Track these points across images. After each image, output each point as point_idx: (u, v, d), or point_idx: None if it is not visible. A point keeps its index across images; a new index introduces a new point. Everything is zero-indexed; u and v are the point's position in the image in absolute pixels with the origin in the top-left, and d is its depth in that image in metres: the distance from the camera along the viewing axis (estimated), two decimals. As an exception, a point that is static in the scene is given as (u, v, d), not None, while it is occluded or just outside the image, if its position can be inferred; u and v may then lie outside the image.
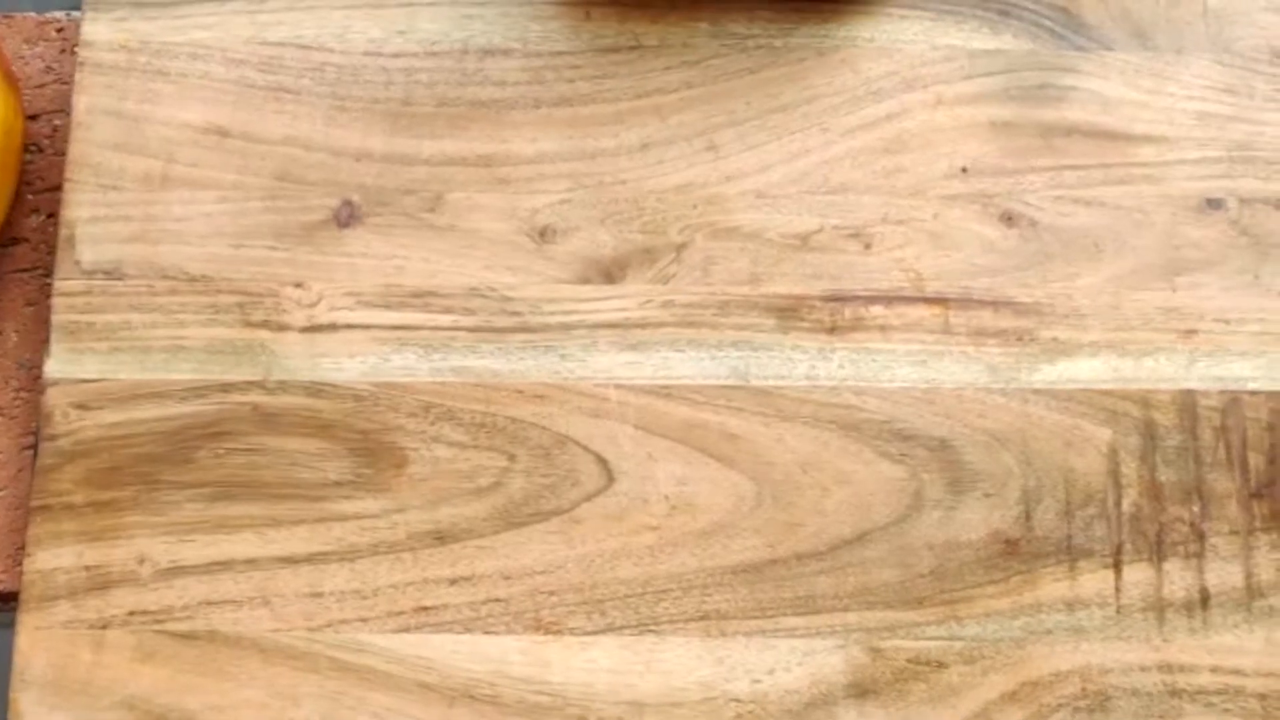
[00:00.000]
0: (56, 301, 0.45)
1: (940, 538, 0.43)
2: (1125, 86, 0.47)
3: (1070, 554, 0.43)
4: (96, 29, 0.47)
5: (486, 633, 0.42)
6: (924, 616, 0.42)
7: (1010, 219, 0.45)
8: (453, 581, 0.42)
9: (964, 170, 0.46)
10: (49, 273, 0.46)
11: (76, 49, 0.47)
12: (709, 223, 0.45)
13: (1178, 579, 0.42)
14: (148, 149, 0.46)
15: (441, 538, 0.43)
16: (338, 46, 0.47)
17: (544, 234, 0.45)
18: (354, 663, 0.42)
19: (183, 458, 0.43)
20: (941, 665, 0.42)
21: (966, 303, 0.45)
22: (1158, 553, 0.43)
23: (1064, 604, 0.42)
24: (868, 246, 0.45)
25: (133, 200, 0.46)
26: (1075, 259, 0.45)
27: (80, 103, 0.46)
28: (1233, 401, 0.44)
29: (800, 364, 0.44)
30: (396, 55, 0.47)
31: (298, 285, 0.45)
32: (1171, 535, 0.43)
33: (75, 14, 0.49)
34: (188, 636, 0.42)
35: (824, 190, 0.46)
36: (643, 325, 0.44)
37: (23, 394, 0.46)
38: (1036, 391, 0.44)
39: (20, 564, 0.43)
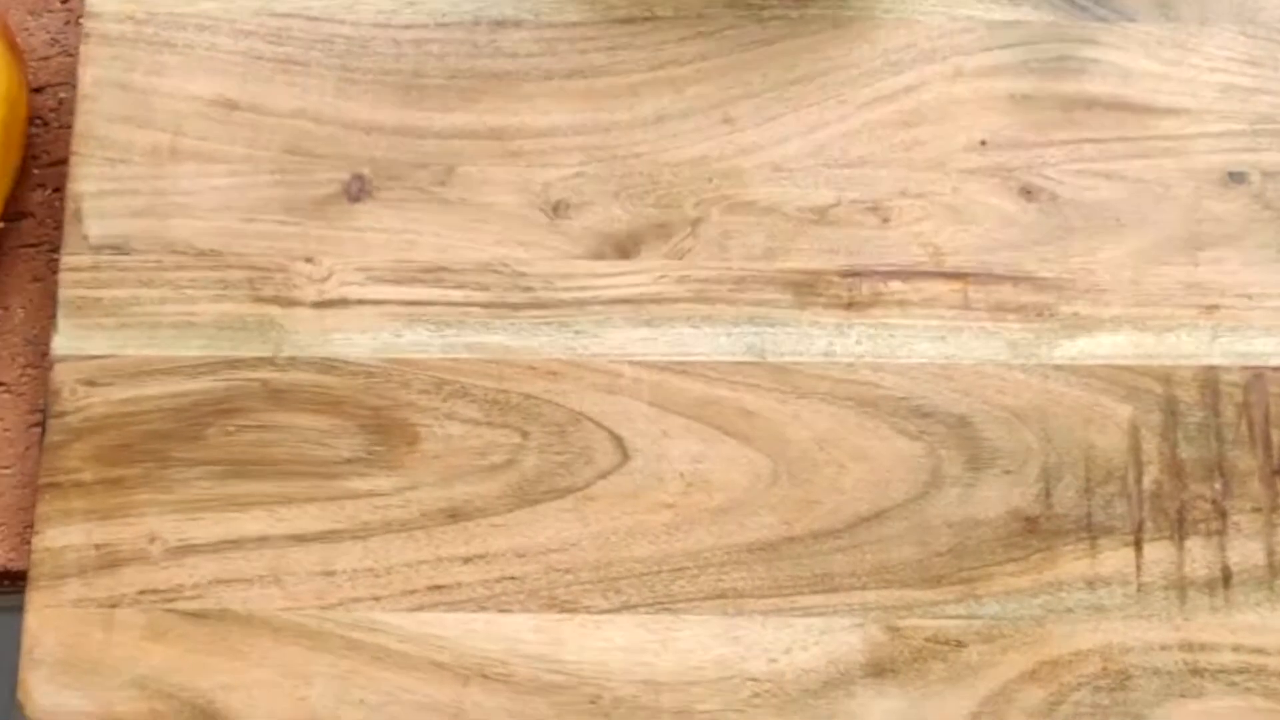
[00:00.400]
0: (63, 277, 0.44)
1: (959, 515, 0.42)
2: (1147, 58, 0.46)
3: (1091, 532, 0.42)
4: (103, 0, 0.46)
5: (500, 611, 0.41)
6: (942, 595, 0.42)
7: (1030, 193, 0.45)
8: (466, 560, 0.42)
9: (983, 143, 0.45)
10: (56, 248, 0.45)
11: (82, 20, 0.46)
12: (725, 196, 0.45)
13: (1199, 557, 0.42)
14: (155, 122, 0.45)
15: (455, 515, 0.42)
16: (347, 18, 0.46)
17: (557, 208, 0.45)
18: (366, 641, 0.41)
19: (192, 435, 0.43)
20: (960, 644, 0.41)
21: (986, 278, 0.44)
22: (1179, 530, 0.42)
23: (1084, 582, 0.42)
24: (886, 220, 0.45)
25: (140, 174, 0.45)
26: (1096, 233, 0.44)
27: (86, 75, 0.46)
28: (1255, 378, 0.43)
29: (817, 340, 0.44)
30: (407, 27, 0.46)
31: (308, 260, 0.44)
32: (1193, 513, 0.42)
33: (80, -14, 0.48)
34: (198, 615, 0.41)
35: (841, 164, 0.45)
36: (658, 301, 0.44)
37: (30, 370, 0.45)
38: (1057, 368, 0.43)
39: (29, 542, 0.42)
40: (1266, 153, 0.45)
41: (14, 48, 0.45)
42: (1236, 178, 0.45)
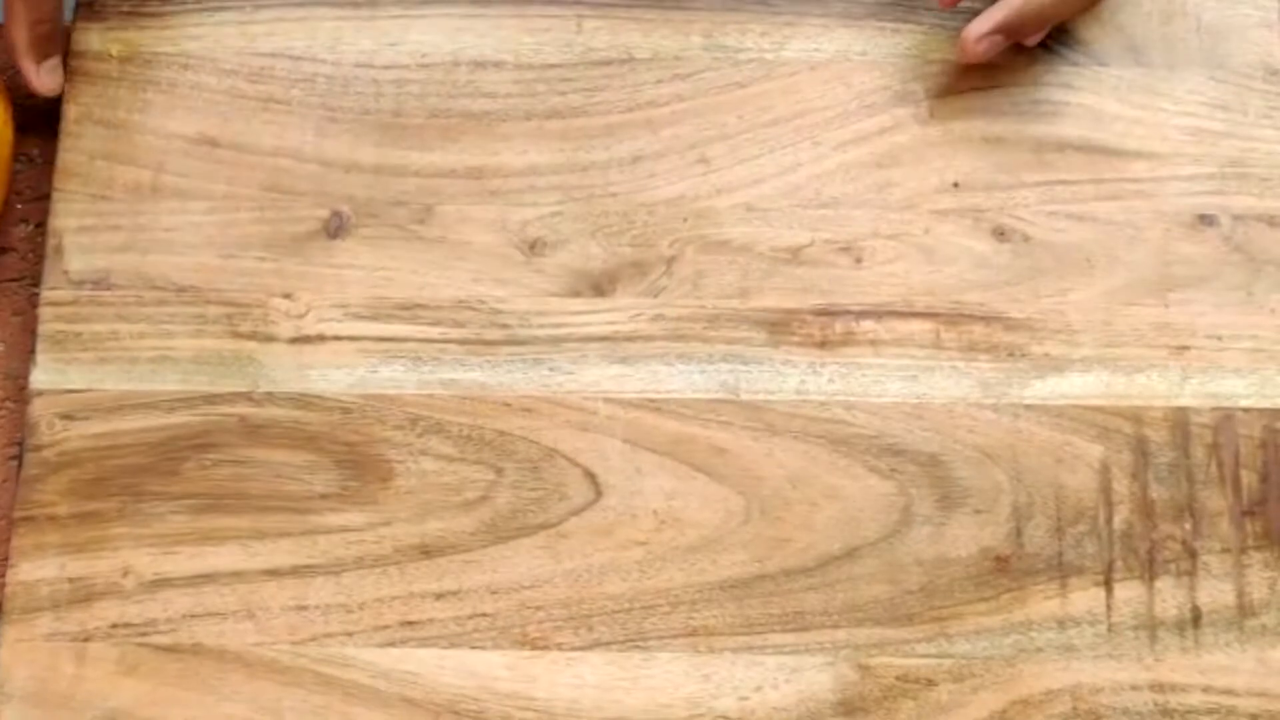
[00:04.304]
0: (44, 311, 0.44)
1: (930, 554, 0.42)
2: (1118, 102, 0.46)
3: (1061, 571, 0.42)
4: (87, 38, 0.47)
5: (472, 648, 0.42)
6: (913, 633, 0.42)
7: (1002, 234, 0.45)
8: (439, 596, 0.42)
9: (956, 185, 0.46)
10: (36, 282, 0.46)
11: (67, 58, 0.47)
12: (700, 236, 0.45)
13: (1169, 597, 0.42)
14: (137, 159, 0.46)
15: (428, 551, 0.42)
16: (329, 58, 0.47)
17: (534, 246, 0.45)
18: (339, 677, 0.41)
19: (168, 469, 0.43)
20: (931, 683, 0.41)
21: (958, 318, 0.44)
22: (1149, 570, 0.42)
23: (1055, 621, 0.42)
24: (859, 261, 0.45)
25: (122, 210, 0.45)
26: (1067, 274, 0.45)
27: (70, 112, 0.46)
28: (1225, 419, 0.43)
29: (790, 378, 0.44)
30: (387, 67, 0.47)
31: (286, 296, 0.45)
32: (1163, 553, 0.42)
33: (66, 23, 0.48)
34: (171, 649, 0.41)
35: (815, 204, 0.45)
36: (632, 338, 0.44)
37: (8, 404, 0.45)
38: (1028, 407, 0.44)
39: (3, 575, 0.42)
40: (1236, 196, 0.45)
41: (1, 86, 0.45)
42: (1206, 220, 0.45)
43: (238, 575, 0.42)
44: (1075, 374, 0.44)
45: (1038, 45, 0.47)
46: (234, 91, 0.46)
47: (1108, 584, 0.42)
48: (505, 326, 0.44)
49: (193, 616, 0.42)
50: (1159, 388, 0.44)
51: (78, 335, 0.44)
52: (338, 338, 0.44)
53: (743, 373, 0.44)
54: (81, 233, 0.45)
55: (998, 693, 0.41)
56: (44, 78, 0.46)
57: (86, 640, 0.41)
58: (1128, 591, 0.42)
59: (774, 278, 0.45)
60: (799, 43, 0.47)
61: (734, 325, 0.44)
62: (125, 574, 0.42)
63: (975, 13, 0.46)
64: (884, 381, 0.44)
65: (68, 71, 0.47)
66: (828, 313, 0.44)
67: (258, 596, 0.42)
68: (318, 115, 0.46)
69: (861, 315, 0.44)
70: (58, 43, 0.46)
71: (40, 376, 0.44)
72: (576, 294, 0.45)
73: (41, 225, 0.47)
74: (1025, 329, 0.44)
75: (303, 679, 0.41)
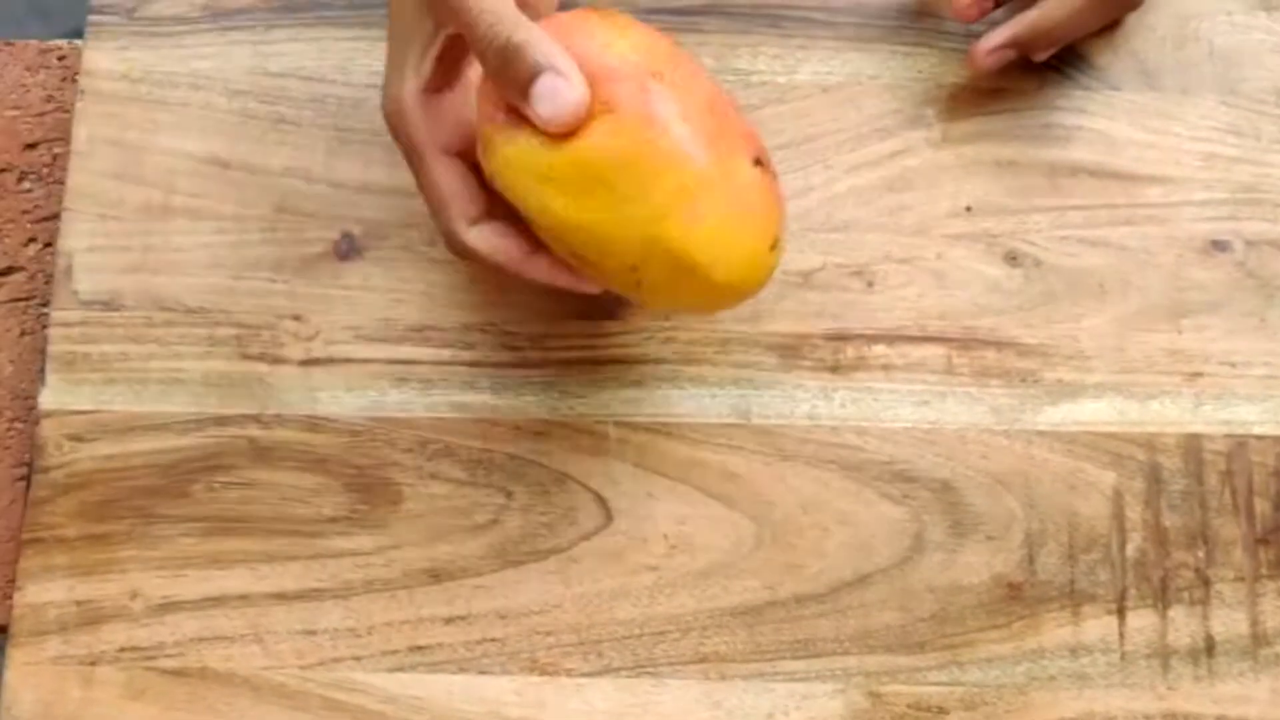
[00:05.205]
0: (53, 332, 0.44)
1: (942, 580, 0.42)
2: (1131, 127, 0.46)
3: (1073, 599, 0.42)
4: (98, 58, 0.47)
5: (482, 673, 0.41)
6: (925, 661, 0.41)
7: (1014, 259, 0.45)
8: (448, 620, 0.42)
9: (968, 209, 0.46)
10: (45, 303, 0.46)
11: (78, 77, 0.47)
12: (711, 259, 0.45)
13: (1182, 625, 0.42)
14: (147, 179, 0.46)
15: (437, 576, 0.42)
16: (340, 78, 0.47)
17: (545, 269, 0.45)
18: (347, 702, 0.41)
19: (177, 491, 0.43)
20: (943, 711, 0.41)
21: (970, 343, 0.44)
22: (1162, 599, 0.42)
23: (1067, 649, 0.41)
24: (870, 285, 0.45)
25: (131, 230, 0.45)
26: (1080, 300, 0.45)
27: (80, 131, 0.46)
28: (1239, 446, 0.43)
29: (802, 403, 0.44)
30: (399, 87, 0.47)
31: (296, 318, 0.44)
32: (1176, 581, 0.42)
33: (77, 42, 0.48)
34: (178, 673, 0.41)
35: (827, 228, 0.45)
36: (643, 362, 0.44)
37: (17, 424, 0.45)
38: (1040, 433, 0.43)
39: (10, 597, 0.42)
40: (1249, 221, 0.45)
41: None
42: (1219, 246, 0.45)
43: (246, 599, 0.42)
44: (1088, 400, 0.44)
45: (1050, 68, 0.47)
46: (245, 112, 0.46)
47: (1120, 612, 0.42)
48: (516, 349, 0.44)
49: (200, 640, 0.42)
50: (1172, 414, 0.44)
51: (87, 356, 0.44)
52: (347, 360, 0.44)
53: (754, 397, 0.44)
54: (91, 253, 0.45)
55: (1010, 721, 0.41)
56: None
57: (94, 664, 0.41)
58: (1141, 620, 0.42)
59: (785, 301, 0.45)
60: (811, 66, 0.47)
61: (745, 349, 0.44)
62: (133, 597, 0.42)
63: (990, 29, 0.46)
64: (896, 407, 0.44)
65: (78, 90, 0.46)
66: (839, 337, 0.44)
67: (266, 620, 0.42)
68: (328, 136, 0.46)
69: (873, 340, 0.44)
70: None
71: (49, 397, 0.44)
72: (587, 317, 0.44)
73: (50, 245, 0.47)
74: (1038, 354, 0.44)
75: (310, 704, 0.41)
